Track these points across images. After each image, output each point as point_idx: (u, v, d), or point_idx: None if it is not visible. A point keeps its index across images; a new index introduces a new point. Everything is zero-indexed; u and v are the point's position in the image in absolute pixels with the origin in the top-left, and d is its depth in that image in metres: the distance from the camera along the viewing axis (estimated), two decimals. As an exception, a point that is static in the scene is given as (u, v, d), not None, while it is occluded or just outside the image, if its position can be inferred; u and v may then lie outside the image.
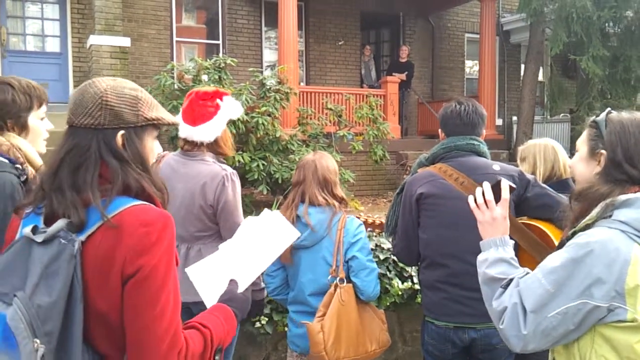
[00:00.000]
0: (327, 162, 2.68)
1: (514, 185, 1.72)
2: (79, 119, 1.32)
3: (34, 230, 1.25)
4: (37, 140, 2.08)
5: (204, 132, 2.61)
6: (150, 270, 1.24)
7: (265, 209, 2.07)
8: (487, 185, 1.73)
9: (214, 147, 2.66)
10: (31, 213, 1.34)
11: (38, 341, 1.15)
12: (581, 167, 1.64)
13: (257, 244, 1.83)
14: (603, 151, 1.53)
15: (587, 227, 1.46)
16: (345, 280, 2.58)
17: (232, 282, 1.65)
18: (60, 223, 1.24)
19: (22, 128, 2.02)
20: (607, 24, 10.31)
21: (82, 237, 1.24)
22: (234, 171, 2.67)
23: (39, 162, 2.01)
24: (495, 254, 1.63)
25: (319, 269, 2.60)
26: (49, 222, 1.28)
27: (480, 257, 1.69)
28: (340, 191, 2.69)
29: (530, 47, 11.76)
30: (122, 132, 1.33)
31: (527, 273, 1.54)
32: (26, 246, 1.25)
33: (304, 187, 2.62)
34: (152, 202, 1.34)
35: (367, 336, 2.61)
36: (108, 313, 1.26)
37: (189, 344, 1.32)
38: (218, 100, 2.64)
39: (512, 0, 13.84)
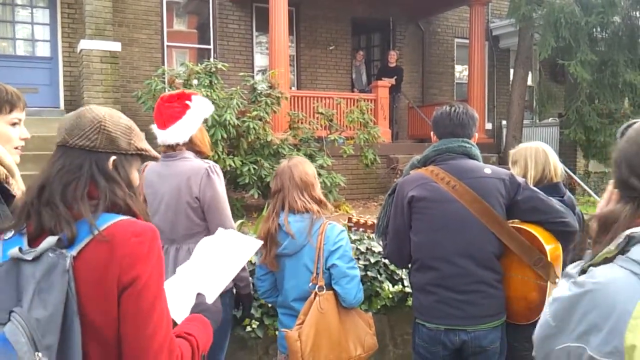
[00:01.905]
0: (304, 166, 2.69)
1: None
2: (75, 140, 1.37)
3: (19, 251, 1.25)
4: (3, 146, 1.89)
5: (175, 133, 2.64)
6: (146, 279, 1.28)
7: (220, 229, 2.11)
8: None
9: (191, 147, 2.68)
10: (13, 236, 1.33)
11: (40, 354, 1.16)
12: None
13: (218, 259, 1.86)
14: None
15: (606, 261, 1.18)
16: (325, 288, 2.58)
17: (200, 296, 1.69)
18: (50, 240, 1.25)
19: None
20: (594, 29, 10.40)
21: (74, 252, 1.25)
22: (216, 164, 2.69)
23: (9, 163, 1.88)
24: None
25: (302, 276, 2.61)
26: (34, 240, 1.29)
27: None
28: (319, 193, 2.69)
29: (519, 51, 11.85)
30: (114, 157, 1.40)
31: None
32: (13, 267, 1.25)
33: (283, 195, 2.63)
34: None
35: (351, 341, 2.61)
36: (103, 327, 1.27)
37: (182, 352, 1.35)
38: (187, 101, 2.65)
39: (501, 6, 13.94)
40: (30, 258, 1.23)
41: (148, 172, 2.73)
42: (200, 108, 2.70)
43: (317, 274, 2.58)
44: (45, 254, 1.23)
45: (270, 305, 3.21)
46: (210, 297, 1.70)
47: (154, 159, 1.55)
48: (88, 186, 1.35)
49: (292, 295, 2.64)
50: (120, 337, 1.28)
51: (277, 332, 2.76)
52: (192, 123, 2.65)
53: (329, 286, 2.60)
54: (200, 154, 2.73)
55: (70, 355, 1.21)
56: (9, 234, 1.34)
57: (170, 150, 2.67)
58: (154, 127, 2.70)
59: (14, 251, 1.25)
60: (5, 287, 1.23)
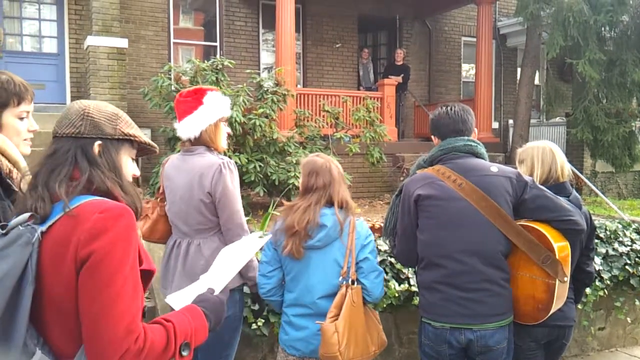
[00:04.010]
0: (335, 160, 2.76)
1: None
2: (63, 129, 1.46)
3: (4, 227, 1.34)
4: (12, 139, 1.93)
5: (186, 127, 2.65)
6: (103, 254, 1.28)
7: (244, 237, 2.09)
8: None
9: (202, 143, 2.67)
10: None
11: None
12: None
13: (232, 260, 1.87)
14: None
15: None
16: (355, 282, 2.58)
17: (209, 290, 1.67)
18: (22, 216, 1.34)
19: None
20: (603, 28, 10.33)
21: (43, 228, 1.33)
22: (231, 160, 2.68)
23: (17, 157, 1.90)
24: None
25: (330, 271, 2.59)
26: None
27: None
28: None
29: (526, 50, 11.79)
30: (99, 142, 1.46)
31: None
32: None
33: (331, 190, 2.62)
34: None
35: (370, 337, 2.63)
36: (63, 299, 1.30)
37: (147, 333, 1.32)
38: (201, 97, 2.65)
39: (509, 4, 13.88)
40: (3, 231, 1.32)
41: (168, 165, 2.78)
42: (214, 105, 2.67)
43: (348, 267, 2.57)
44: (15, 228, 1.32)
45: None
46: (217, 290, 1.69)
47: (150, 147, 1.59)
48: (72, 169, 1.42)
49: (319, 290, 2.59)
50: (78, 312, 1.30)
51: (285, 335, 2.71)
52: (203, 119, 2.64)
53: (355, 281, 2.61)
54: (213, 150, 2.72)
55: (14, 322, 1.25)
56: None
57: (188, 144, 2.70)
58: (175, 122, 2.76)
59: None
60: None
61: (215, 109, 2.68)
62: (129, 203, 1.42)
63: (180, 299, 1.67)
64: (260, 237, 2.17)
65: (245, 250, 1.95)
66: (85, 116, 1.46)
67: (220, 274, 1.79)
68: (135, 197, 1.47)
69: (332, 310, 2.51)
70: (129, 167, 1.54)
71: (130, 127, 1.53)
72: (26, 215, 1.34)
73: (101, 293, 1.27)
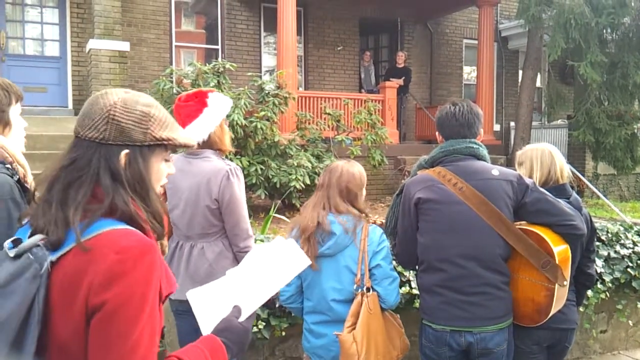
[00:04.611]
0: (354, 170, 2.64)
1: None
2: (85, 131, 1.24)
3: (17, 242, 1.17)
4: (19, 134, 2.10)
5: (193, 132, 2.61)
6: (119, 304, 1.12)
7: (278, 236, 2.00)
8: None
9: (210, 145, 2.67)
10: (27, 223, 1.27)
11: None
12: None
13: (266, 271, 1.72)
14: None
15: None
16: (371, 289, 2.55)
17: (235, 310, 1.50)
18: (34, 239, 1.16)
19: (6, 124, 2.04)
20: (604, 30, 10.33)
21: (53, 257, 1.14)
22: (238, 167, 2.68)
23: (23, 161, 2.02)
24: None
25: (343, 278, 2.56)
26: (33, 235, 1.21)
27: None
28: (362, 204, 2.64)
29: (528, 53, 11.79)
30: (126, 151, 1.24)
31: None
32: (2, 259, 1.17)
33: (327, 192, 2.59)
34: (142, 230, 1.22)
35: (391, 343, 2.60)
36: (69, 343, 1.14)
37: None
38: (204, 99, 2.64)
39: (511, 7, 13.88)
40: (12, 255, 1.15)
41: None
42: (218, 106, 2.67)
43: (362, 275, 2.54)
44: (26, 253, 1.14)
45: (288, 311, 3.13)
46: (245, 314, 1.53)
47: (184, 146, 1.38)
48: (93, 186, 1.21)
49: (333, 296, 2.56)
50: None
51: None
52: (209, 121, 2.63)
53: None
54: (220, 152, 2.72)
55: None
56: (25, 220, 1.28)
57: (195, 147, 2.66)
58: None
59: (6, 243, 1.18)
60: None
61: (220, 110, 2.68)
62: (155, 230, 1.26)
63: (200, 295, 1.58)
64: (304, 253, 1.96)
65: (283, 270, 1.77)
66: (110, 119, 1.22)
67: (252, 290, 1.63)
68: (162, 219, 1.30)
69: (349, 320, 2.48)
70: (162, 171, 1.34)
71: (163, 129, 1.29)
72: (38, 237, 1.16)
73: (114, 347, 1.11)
